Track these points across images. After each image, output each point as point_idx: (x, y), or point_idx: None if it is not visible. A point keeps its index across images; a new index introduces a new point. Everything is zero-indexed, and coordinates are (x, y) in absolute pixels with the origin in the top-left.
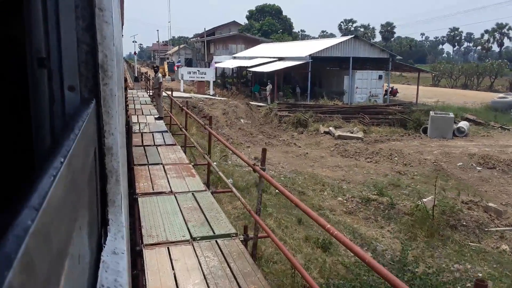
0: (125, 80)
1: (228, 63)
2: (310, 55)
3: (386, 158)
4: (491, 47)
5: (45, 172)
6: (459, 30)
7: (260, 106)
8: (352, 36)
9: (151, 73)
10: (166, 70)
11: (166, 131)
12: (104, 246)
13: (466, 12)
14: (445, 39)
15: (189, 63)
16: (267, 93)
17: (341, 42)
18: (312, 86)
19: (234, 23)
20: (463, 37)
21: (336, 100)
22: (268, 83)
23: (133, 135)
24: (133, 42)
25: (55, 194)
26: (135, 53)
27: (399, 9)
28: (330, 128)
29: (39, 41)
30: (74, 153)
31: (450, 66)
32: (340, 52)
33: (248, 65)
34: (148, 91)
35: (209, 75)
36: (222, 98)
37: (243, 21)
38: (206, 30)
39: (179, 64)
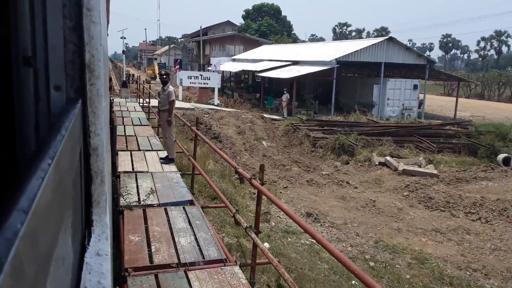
0: (110, 79)
1: (228, 65)
2: (336, 60)
3: (498, 214)
4: (487, 54)
5: (33, 174)
6: (452, 36)
7: (275, 120)
8: (386, 37)
9: (141, 75)
10: (157, 71)
11: (191, 202)
12: (88, 248)
13: (456, 21)
14: (432, 45)
15: (179, 64)
16: (283, 104)
17: (372, 44)
18: (331, 96)
19: (228, 23)
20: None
21: (367, 114)
22: (284, 91)
23: (131, 218)
24: (121, 38)
25: (43, 197)
26: (123, 52)
27: (392, 15)
28: (387, 158)
29: (25, 40)
30: (61, 154)
31: (468, 74)
32: (370, 56)
33: (256, 69)
34: (141, 101)
35: (214, 80)
36: (229, 110)
37: (238, 21)
38: (198, 30)
39: (177, 67)
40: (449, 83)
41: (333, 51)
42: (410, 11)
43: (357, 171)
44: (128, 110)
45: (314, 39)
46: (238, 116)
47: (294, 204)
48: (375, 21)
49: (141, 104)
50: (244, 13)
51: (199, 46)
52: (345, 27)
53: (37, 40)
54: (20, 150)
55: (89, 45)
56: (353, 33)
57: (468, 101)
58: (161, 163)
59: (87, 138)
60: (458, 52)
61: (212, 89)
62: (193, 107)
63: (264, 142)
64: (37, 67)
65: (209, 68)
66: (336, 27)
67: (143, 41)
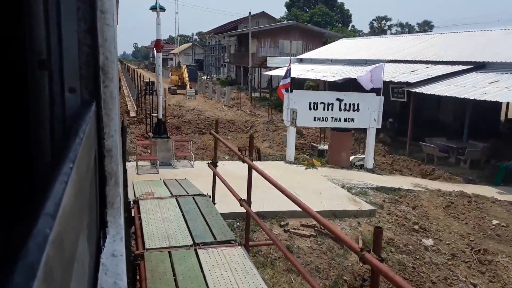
0: (119, 79)
1: (296, 70)
2: None
3: None
4: None
5: (56, 178)
6: None
7: None
8: None
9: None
10: (186, 77)
11: None
12: (103, 249)
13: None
14: None
15: (200, 65)
16: None
17: None
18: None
19: (263, 14)
20: None
21: None
22: None
23: None
24: (153, 9)
25: (67, 200)
26: (158, 45)
27: (435, 10)
28: None
29: (40, 43)
30: (80, 157)
31: None
32: None
33: (394, 79)
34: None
35: (369, 111)
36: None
37: (276, 13)
38: (222, 24)
39: (287, 81)
40: None
41: None
42: (454, 6)
43: None
44: None
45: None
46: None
47: None
48: (416, 15)
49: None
50: (288, 0)
51: (240, 42)
52: (384, 21)
53: (52, 43)
54: (35, 153)
55: (103, 47)
56: (394, 28)
57: None
58: None
59: (101, 140)
60: None
61: (360, 133)
62: (357, 204)
63: None
64: (52, 70)
65: (267, 72)
66: (373, 22)
67: (153, 40)
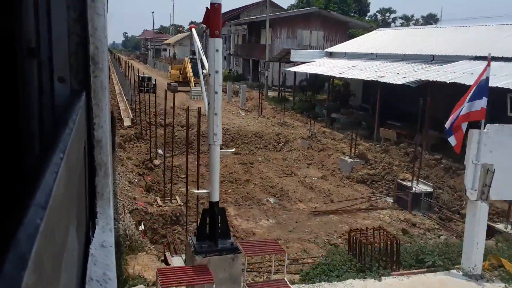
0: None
1: (328, 65)
2: None
3: None
4: None
5: (47, 168)
6: None
7: None
8: None
9: (153, 74)
10: (190, 72)
11: None
12: (93, 239)
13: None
14: None
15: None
16: None
17: None
18: None
19: (268, 2)
20: None
21: None
22: None
23: None
24: None
25: (58, 191)
26: (216, 21)
27: (439, 2)
28: None
29: (29, 31)
30: (71, 147)
31: None
32: None
33: None
34: None
35: None
36: None
37: (283, 2)
38: (223, 12)
39: (479, 107)
40: None
41: None
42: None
43: None
44: None
45: None
46: None
47: None
48: (418, 9)
49: None
50: None
51: (251, 32)
52: (388, 13)
53: (41, 31)
54: (24, 143)
55: (93, 37)
56: (398, 21)
57: None
58: None
59: (91, 131)
60: None
61: None
62: None
63: None
64: (41, 59)
65: (292, 68)
66: (377, 13)
67: (145, 30)
